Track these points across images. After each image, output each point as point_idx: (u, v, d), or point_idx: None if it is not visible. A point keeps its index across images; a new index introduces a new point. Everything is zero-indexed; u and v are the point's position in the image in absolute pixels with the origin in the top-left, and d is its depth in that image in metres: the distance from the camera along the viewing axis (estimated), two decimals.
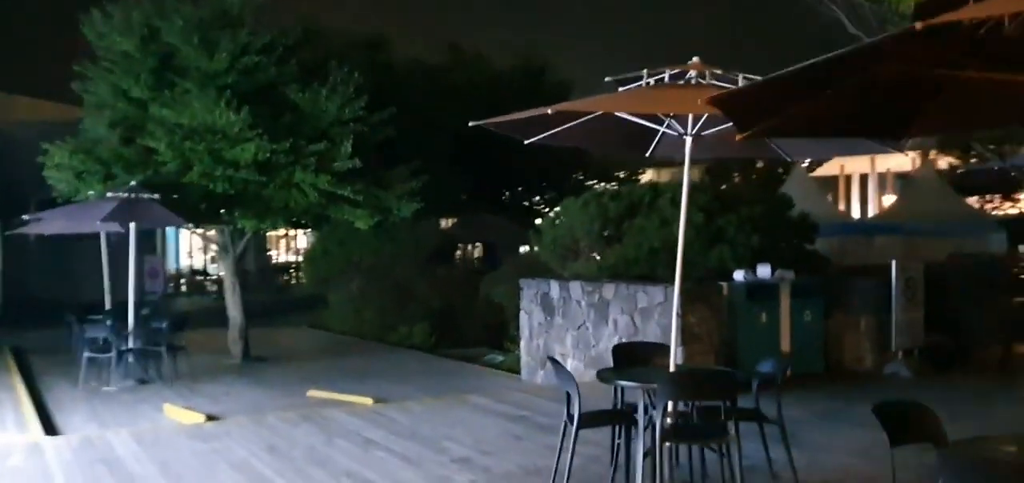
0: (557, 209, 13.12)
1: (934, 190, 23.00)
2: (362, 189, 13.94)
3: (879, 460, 7.03)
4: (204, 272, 28.86)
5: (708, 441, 5.79)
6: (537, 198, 29.02)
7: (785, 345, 10.77)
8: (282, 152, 13.03)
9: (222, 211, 13.71)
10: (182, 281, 27.45)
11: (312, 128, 13.55)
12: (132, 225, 12.53)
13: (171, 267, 26.99)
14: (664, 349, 6.78)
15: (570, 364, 11.27)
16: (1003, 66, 4.27)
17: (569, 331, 11.35)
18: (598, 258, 11.93)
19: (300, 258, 32.95)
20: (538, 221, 29.76)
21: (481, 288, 15.04)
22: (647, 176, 41.40)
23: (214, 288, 26.40)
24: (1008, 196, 42.55)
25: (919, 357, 11.38)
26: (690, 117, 5.98)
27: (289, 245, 36.25)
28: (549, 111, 5.41)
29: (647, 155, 7.16)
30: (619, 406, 6.32)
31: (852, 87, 4.27)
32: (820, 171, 40.03)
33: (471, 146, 21.46)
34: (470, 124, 6.19)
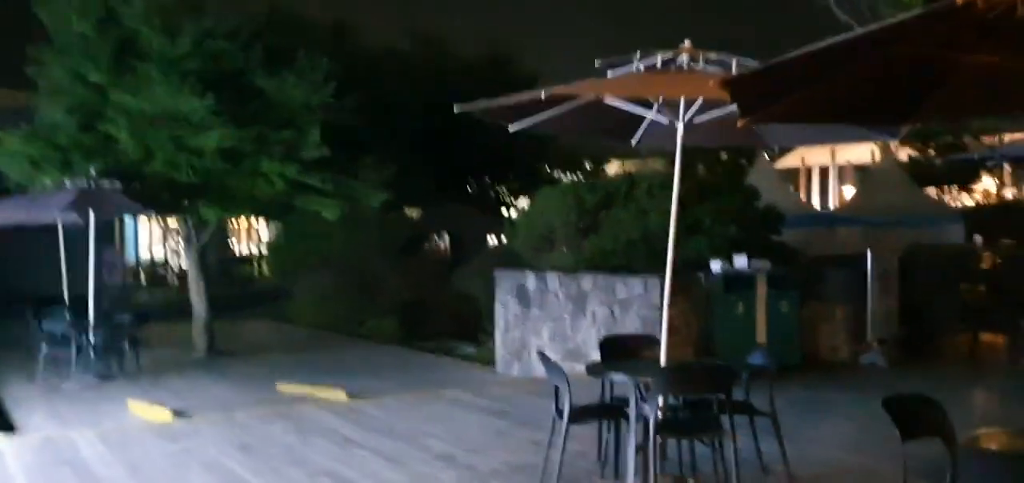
0: (531, 199, 12.91)
1: (894, 181, 23.38)
2: (330, 178, 13.65)
3: (869, 453, 6.98)
4: (164, 263, 28.23)
5: (703, 435, 5.64)
6: (503, 188, 28.89)
7: (761, 336, 10.69)
8: (248, 140, 12.68)
9: (185, 200, 13.32)
10: (141, 273, 26.78)
11: (279, 115, 13.20)
12: (92, 215, 12.11)
13: (130, 258, 26.35)
14: (651, 341, 6.63)
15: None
16: (1013, 52, 4.15)
17: (546, 323, 11.17)
18: (565, 250, 11.74)
19: (263, 249, 32.36)
20: (503, 211, 29.75)
21: (453, 280, 14.80)
22: (612, 167, 41.53)
23: (175, 280, 25.84)
24: (964, 187, 43.54)
25: (894, 346, 11.37)
26: (682, 104, 5.80)
27: (251, 236, 35.69)
28: (542, 96, 5.20)
29: (634, 143, 6.99)
30: (607, 400, 6.15)
31: (861, 71, 4.12)
32: (782, 162, 40.46)
33: (436, 135, 21.21)
34: (456, 109, 5.95)
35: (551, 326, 11.09)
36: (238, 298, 22.13)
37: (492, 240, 33.36)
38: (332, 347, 15.21)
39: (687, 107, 5.78)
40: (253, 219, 27.56)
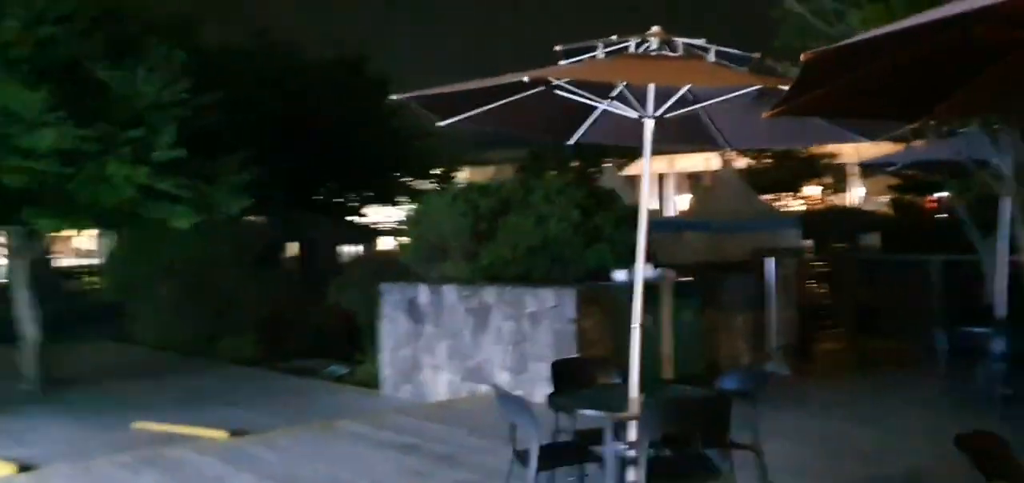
0: (416, 206, 11.91)
1: (735, 188, 24.22)
2: (185, 183, 12.21)
3: (821, 476, 6.51)
4: None
5: (699, 480, 4.90)
6: (352, 196, 27.94)
7: (667, 348, 10.20)
8: (91, 140, 11.08)
9: (14, 209, 11.53)
10: None
11: (126, 112, 11.65)
12: None
13: None
14: (607, 364, 5.90)
15: (444, 377, 10.20)
16: None
17: (442, 341, 10.24)
18: (460, 260, 10.87)
19: (88, 261, 29.55)
20: (353, 218, 28.66)
21: (329, 293, 13.59)
22: (463, 175, 41.08)
23: None
24: (796, 193, 46.17)
25: (794, 354, 11.15)
26: (651, 95, 5.08)
27: (74, 247, 32.79)
28: (525, 78, 4.34)
29: (571, 141, 6.20)
30: (558, 437, 5.32)
31: (909, 58, 3.52)
32: (627, 169, 41.52)
33: (284, 139, 19.93)
34: (392, 97, 5.01)
35: (448, 344, 10.18)
36: (64, 317, 19.85)
37: (346, 250, 32.09)
38: (186, 371, 13.67)
39: (659, 99, 5.06)
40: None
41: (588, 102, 5.30)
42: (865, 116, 4.35)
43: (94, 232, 25.98)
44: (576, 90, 5.16)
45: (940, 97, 4.13)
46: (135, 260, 17.24)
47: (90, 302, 22.89)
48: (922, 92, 4.12)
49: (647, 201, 5.27)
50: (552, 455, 4.91)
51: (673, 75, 4.81)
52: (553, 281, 10.04)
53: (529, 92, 5.32)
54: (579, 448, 5.07)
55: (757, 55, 4.90)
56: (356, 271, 13.32)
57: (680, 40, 4.94)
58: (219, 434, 8.30)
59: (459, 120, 5.52)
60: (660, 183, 48.42)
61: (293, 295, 16.96)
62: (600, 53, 4.92)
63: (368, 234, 34.73)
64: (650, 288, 10.03)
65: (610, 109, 5.22)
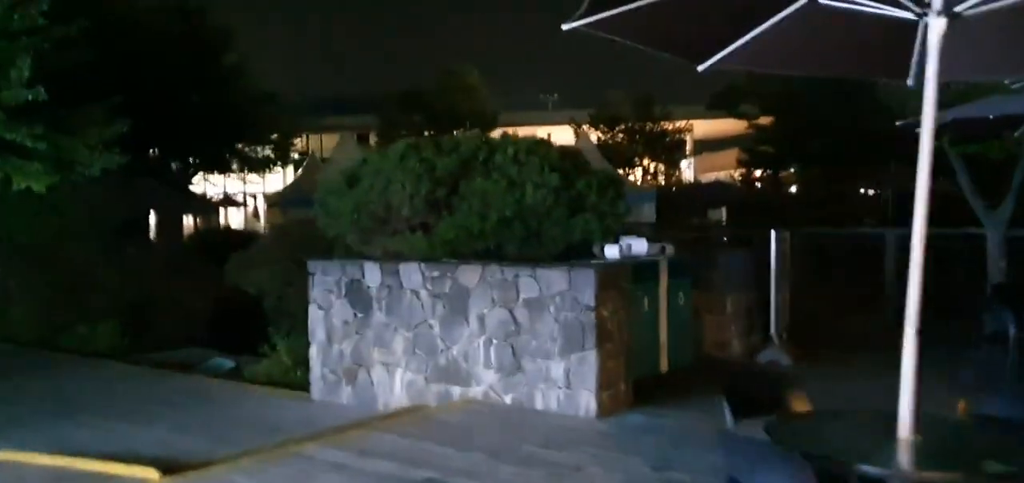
0: (354, 164, 9.65)
1: (594, 161, 23.30)
2: (42, 133, 9.60)
3: None
4: None
5: None
6: (181, 162, 25.63)
7: (663, 335, 8.69)
8: None
9: None
10: None
11: None
12: None
13: None
14: (789, 380, 4.21)
15: (404, 377, 8.23)
16: None
17: (400, 332, 8.23)
18: (404, 234, 8.91)
19: None
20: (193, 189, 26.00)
21: (227, 274, 11.17)
22: (300, 142, 38.57)
23: None
24: (641, 167, 46.43)
25: (788, 340, 9.86)
26: None
27: None
28: None
29: (703, 66, 4.42)
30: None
31: None
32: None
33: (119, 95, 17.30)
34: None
35: (409, 337, 8.18)
36: None
37: (189, 221, 29.18)
38: (36, 370, 10.87)
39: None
40: None
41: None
42: None
43: None
44: None
45: None
46: None
47: None
48: None
49: (929, 147, 3.50)
50: None
51: None
52: (528, 258, 8.31)
53: None
54: None
55: None
56: (266, 246, 10.98)
57: None
58: (147, 472, 5.92)
59: (611, 15, 3.64)
60: None
61: (157, 274, 14.41)
62: None
63: (208, 205, 31.81)
64: (648, 267, 8.54)
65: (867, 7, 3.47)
